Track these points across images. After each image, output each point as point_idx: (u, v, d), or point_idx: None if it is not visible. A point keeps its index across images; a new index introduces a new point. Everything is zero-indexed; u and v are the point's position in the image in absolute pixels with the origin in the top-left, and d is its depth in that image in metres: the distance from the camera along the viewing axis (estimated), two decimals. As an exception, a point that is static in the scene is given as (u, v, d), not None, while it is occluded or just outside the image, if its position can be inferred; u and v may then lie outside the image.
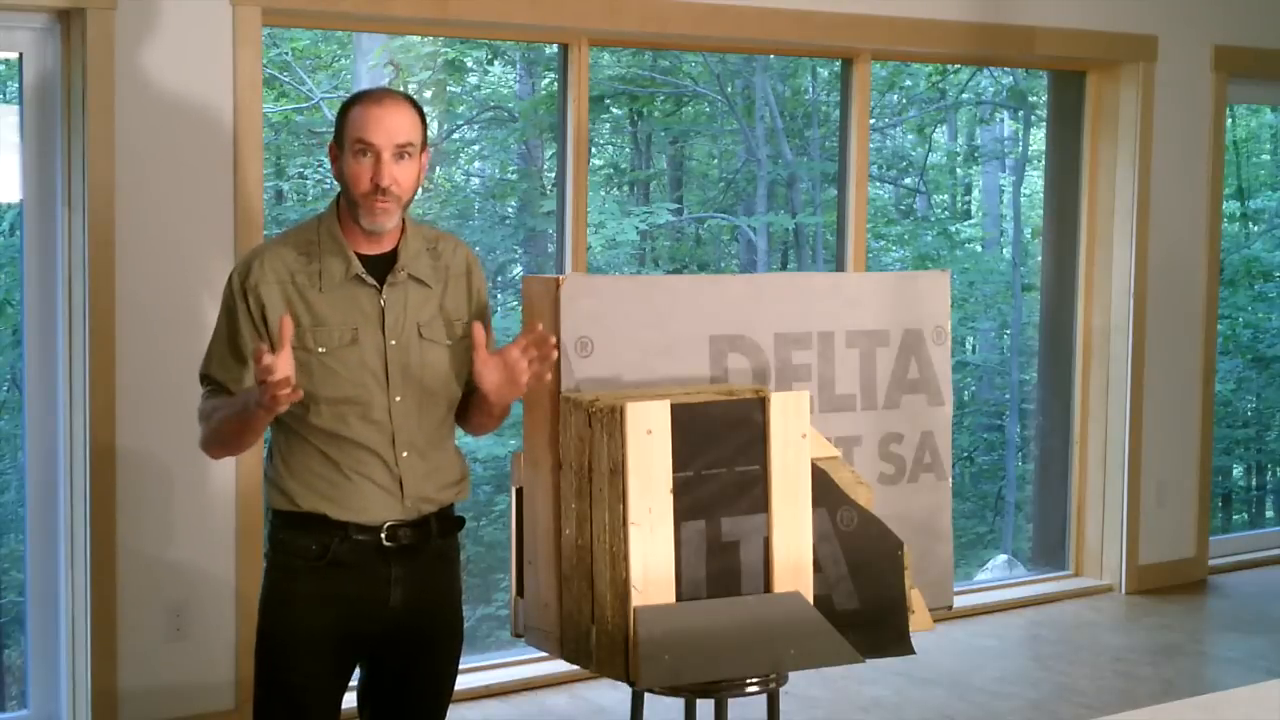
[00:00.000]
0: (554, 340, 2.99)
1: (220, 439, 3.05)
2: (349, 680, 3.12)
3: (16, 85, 4.56)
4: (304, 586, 3.02)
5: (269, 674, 3.07)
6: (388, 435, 2.99)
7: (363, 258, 3.01)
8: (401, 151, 2.97)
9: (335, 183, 3.05)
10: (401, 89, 6.58)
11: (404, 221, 3.05)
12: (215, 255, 4.52)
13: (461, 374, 3.09)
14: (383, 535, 3.01)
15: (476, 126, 8.36)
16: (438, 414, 3.07)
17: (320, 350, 2.96)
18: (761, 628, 3.02)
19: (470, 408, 3.13)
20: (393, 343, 3.00)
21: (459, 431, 3.19)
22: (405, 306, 3.03)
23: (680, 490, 2.98)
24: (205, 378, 3.06)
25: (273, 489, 3.05)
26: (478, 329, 3.00)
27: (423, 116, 3.05)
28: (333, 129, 3.06)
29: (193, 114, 4.48)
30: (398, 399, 2.99)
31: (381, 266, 3.03)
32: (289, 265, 2.99)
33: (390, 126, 2.96)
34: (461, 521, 3.16)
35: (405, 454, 3.00)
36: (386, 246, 3.04)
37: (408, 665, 3.12)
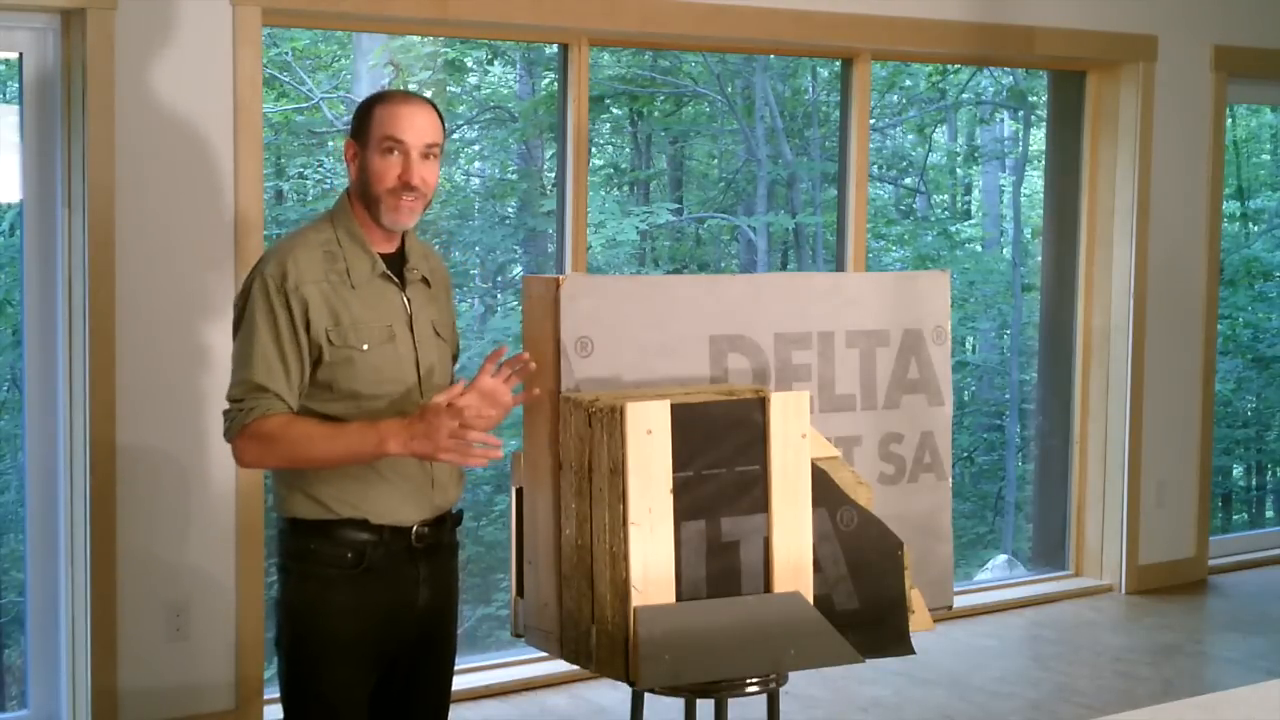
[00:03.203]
0: (526, 355, 3.04)
1: (296, 462, 2.95)
2: (372, 685, 3.07)
3: (16, 85, 4.56)
4: (339, 596, 2.98)
5: (303, 685, 3.02)
6: None
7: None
8: (428, 151, 2.99)
9: (336, 184, 3.06)
10: (402, 89, 6.58)
11: None
12: (215, 255, 4.53)
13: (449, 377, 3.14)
14: (412, 536, 3.01)
15: (476, 126, 8.35)
16: None
17: (364, 347, 2.96)
18: (761, 628, 3.02)
19: None
20: (418, 340, 3.03)
21: None
22: (421, 304, 3.06)
23: (680, 490, 2.98)
24: (251, 386, 2.93)
25: (298, 496, 2.99)
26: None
27: (443, 119, 3.08)
28: (335, 130, 3.07)
29: (193, 114, 4.48)
30: (428, 394, 2.99)
31: (393, 265, 3.05)
32: (319, 263, 2.97)
33: (420, 125, 2.98)
34: (461, 515, 3.18)
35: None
36: (393, 246, 3.06)
37: (419, 665, 3.12)
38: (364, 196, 3.01)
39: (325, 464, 2.94)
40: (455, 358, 3.26)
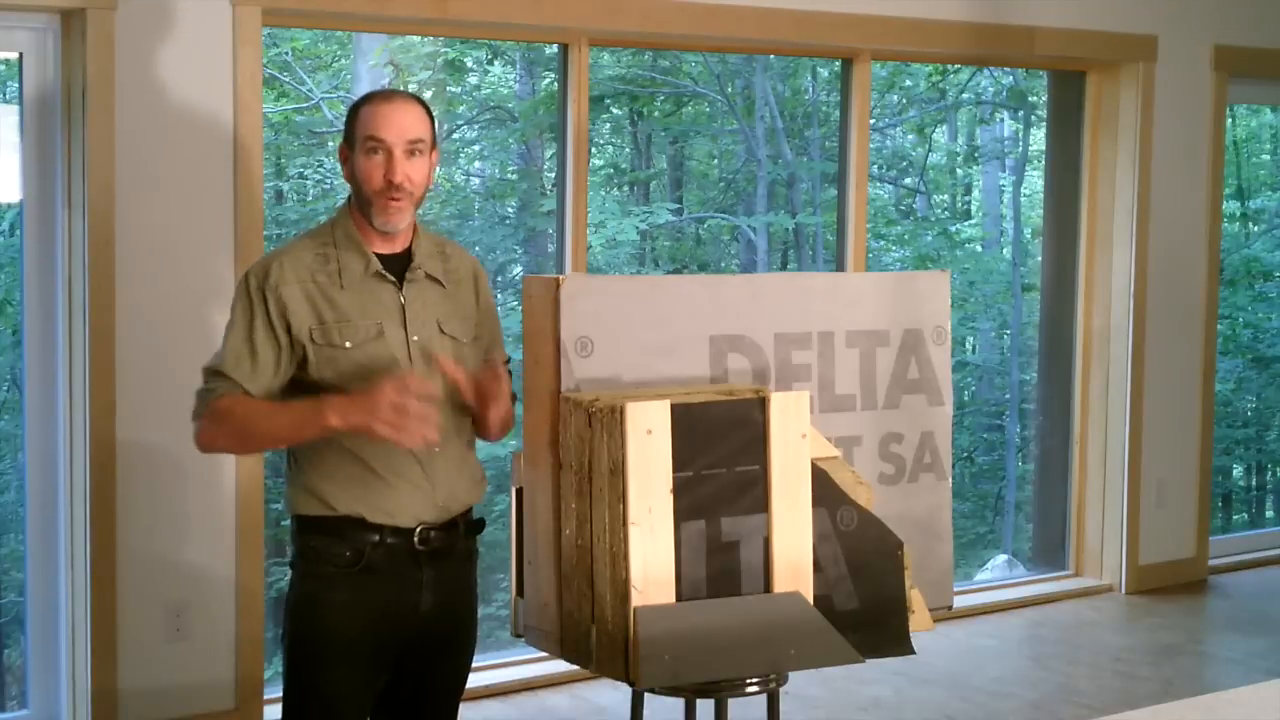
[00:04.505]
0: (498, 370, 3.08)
1: (246, 439, 3.03)
2: (379, 687, 3.09)
3: (16, 85, 4.56)
4: (338, 594, 2.99)
5: (302, 683, 3.04)
6: None
7: (379, 257, 3.03)
8: (413, 148, 2.99)
9: (336, 184, 3.08)
10: (402, 89, 6.58)
11: (414, 222, 3.08)
12: (215, 255, 4.53)
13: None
14: (415, 538, 3.01)
15: (476, 126, 8.36)
16: (460, 410, 3.08)
17: (347, 345, 2.96)
18: (761, 628, 3.02)
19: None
20: (415, 338, 3.02)
21: None
22: (425, 303, 3.05)
23: (680, 490, 2.98)
24: (217, 373, 2.99)
25: (302, 494, 3.01)
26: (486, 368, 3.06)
27: (431, 114, 3.07)
28: (335, 130, 3.08)
29: (193, 114, 4.48)
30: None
31: (397, 265, 3.05)
32: (308, 265, 2.99)
33: (401, 123, 2.98)
34: (483, 523, 3.19)
35: (436, 450, 3.00)
36: (400, 246, 3.06)
37: (429, 668, 3.12)
38: (358, 199, 3.03)
39: (273, 441, 2.99)
40: (494, 355, 3.22)
